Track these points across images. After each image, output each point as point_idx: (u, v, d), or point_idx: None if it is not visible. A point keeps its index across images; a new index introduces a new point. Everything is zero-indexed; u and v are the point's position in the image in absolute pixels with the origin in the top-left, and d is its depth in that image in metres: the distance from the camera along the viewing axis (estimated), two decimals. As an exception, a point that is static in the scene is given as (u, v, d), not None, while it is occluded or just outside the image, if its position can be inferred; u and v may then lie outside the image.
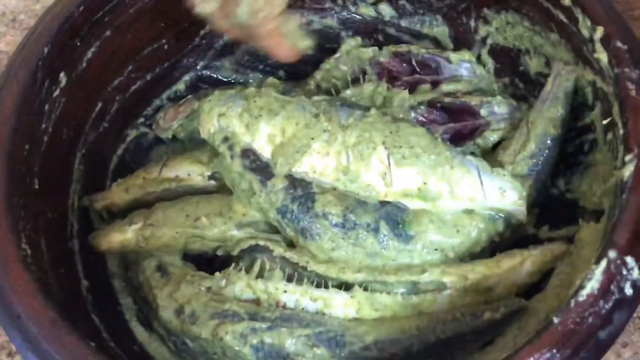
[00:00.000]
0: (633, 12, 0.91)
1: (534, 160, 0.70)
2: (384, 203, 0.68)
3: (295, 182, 0.69)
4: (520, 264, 0.66)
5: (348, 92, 0.78)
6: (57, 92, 0.71)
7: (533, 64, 0.77)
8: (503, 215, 0.69)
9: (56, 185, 0.72)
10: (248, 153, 0.70)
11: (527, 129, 0.71)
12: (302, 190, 0.69)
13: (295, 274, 0.68)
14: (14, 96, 0.66)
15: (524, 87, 0.79)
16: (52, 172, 0.71)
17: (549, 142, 0.70)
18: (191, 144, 0.81)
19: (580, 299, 0.52)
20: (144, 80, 0.83)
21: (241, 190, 0.71)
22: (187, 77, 0.87)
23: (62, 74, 0.72)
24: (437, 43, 0.84)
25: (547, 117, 0.70)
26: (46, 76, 0.69)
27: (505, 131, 0.75)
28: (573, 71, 0.69)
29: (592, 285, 0.53)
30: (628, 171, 0.58)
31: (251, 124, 0.71)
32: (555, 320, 0.52)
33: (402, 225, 0.67)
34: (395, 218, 0.68)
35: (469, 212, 0.68)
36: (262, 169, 0.70)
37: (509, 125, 0.75)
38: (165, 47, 0.83)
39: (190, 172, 0.76)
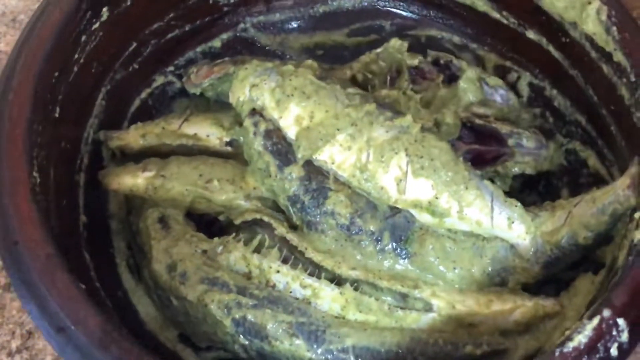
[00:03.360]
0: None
1: (555, 252, 0.68)
2: (392, 213, 0.68)
3: (311, 175, 0.69)
4: (510, 311, 0.66)
5: (383, 92, 0.78)
6: (96, 25, 0.71)
7: (567, 104, 0.77)
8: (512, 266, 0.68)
9: (75, 116, 0.72)
10: (271, 134, 0.70)
11: (565, 219, 0.67)
12: (316, 184, 0.69)
13: (292, 258, 0.68)
14: (54, 22, 0.66)
15: (553, 122, 0.80)
16: (74, 103, 0.70)
17: (574, 248, 0.67)
18: (216, 105, 0.81)
19: (566, 350, 0.53)
20: (182, 30, 0.83)
21: (257, 168, 0.71)
22: (224, 36, 0.86)
23: (105, 9, 0.71)
24: (478, 59, 0.84)
25: (585, 223, 0.66)
26: (90, 8, 0.69)
27: (527, 165, 0.75)
28: (630, 199, 0.64)
29: (580, 339, 0.53)
30: (640, 235, 0.58)
31: (282, 101, 0.70)
32: (537, 365, 0.52)
33: (405, 241, 0.68)
34: (399, 232, 0.68)
35: (479, 251, 0.68)
36: (282, 154, 0.70)
37: (533, 161, 0.75)
38: (211, 1, 0.83)
39: (209, 133, 0.75)
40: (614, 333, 0.53)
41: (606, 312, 0.54)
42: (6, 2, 0.93)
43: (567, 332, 0.54)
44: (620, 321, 0.54)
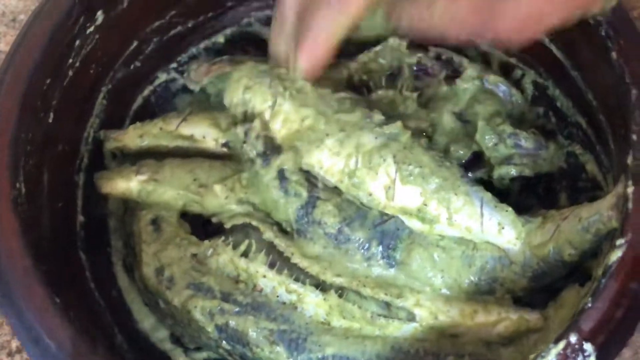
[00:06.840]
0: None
1: (541, 265, 0.67)
2: (382, 221, 0.68)
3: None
4: (494, 324, 0.65)
5: (379, 93, 0.77)
6: (91, 29, 0.71)
7: (569, 105, 0.75)
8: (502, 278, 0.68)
9: (74, 118, 0.73)
10: (262, 140, 0.70)
11: (552, 233, 0.66)
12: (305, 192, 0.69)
13: (278, 263, 0.69)
14: (43, 33, 0.66)
15: (555, 122, 0.78)
16: (71, 105, 0.71)
17: (559, 264, 0.66)
18: (217, 100, 0.81)
19: (527, 373, 0.52)
20: (185, 27, 0.83)
21: (248, 169, 0.72)
22: (228, 31, 0.86)
23: (99, 12, 0.72)
24: (483, 55, 0.82)
25: (570, 239, 0.64)
26: (82, 14, 0.70)
27: (525, 167, 0.73)
28: (612, 220, 0.61)
29: (543, 364, 0.53)
30: (615, 256, 0.56)
31: (273, 105, 0.70)
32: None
33: (393, 249, 0.68)
34: (388, 240, 0.68)
35: (467, 260, 0.67)
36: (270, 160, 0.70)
37: (531, 162, 0.74)
38: (214, -5, 0.83)
39: (206, 134, 0.75)
40: (580, 358, 0.53)
41: (573, 338, 0.53)
42: (6, 2, 0.94)
43: (531, 357, 0.54)
44: (588, 346, 0.53)
